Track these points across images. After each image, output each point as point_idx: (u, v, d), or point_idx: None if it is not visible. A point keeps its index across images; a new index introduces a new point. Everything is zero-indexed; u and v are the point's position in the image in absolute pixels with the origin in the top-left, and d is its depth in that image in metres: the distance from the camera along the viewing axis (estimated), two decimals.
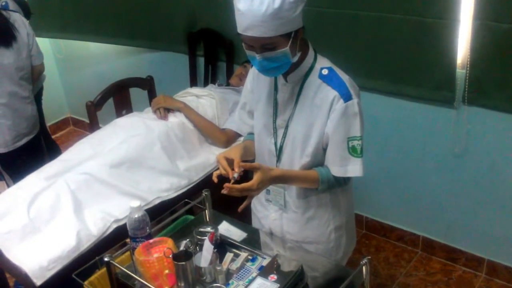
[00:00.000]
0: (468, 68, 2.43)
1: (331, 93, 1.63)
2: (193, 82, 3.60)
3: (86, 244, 2.10)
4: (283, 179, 1.70)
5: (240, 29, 1.56)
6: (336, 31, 2.76)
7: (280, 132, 1.77)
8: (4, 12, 2.81)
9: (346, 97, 1.62)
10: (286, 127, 1.75)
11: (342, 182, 1.75)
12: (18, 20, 2.87)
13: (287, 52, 1.56)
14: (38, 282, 1.97)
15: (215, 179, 1.68)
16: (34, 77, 3.07)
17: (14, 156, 2.93)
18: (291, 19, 1.52)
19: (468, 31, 2.38)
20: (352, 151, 1.66)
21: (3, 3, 3.13)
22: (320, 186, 1.72)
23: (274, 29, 1.50)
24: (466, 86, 2.47)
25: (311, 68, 1.68)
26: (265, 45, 1.54)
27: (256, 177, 1.59)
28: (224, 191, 1.60)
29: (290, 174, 1.73)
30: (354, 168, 1.68)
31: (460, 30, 2.39)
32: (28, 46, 2.91)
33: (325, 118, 1.66)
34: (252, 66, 1.89)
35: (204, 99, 2.85)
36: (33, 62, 2.98)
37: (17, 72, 2.83)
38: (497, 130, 2.52)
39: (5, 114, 2.82)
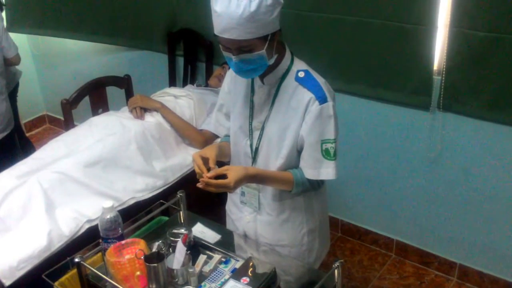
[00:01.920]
0: (443, 75, 2.47)
1: (307, 95, 1.64)
2: (172, 82, 3.58)
3: (57, 244, 2.07)
4: (259, 177, 1.70)
5: (216, 31, 1.55)
6: (315, 34, 2.77)
7: (256, 134, 1.77)
8: None
9: (322, 100, 1.63)
10: (262, 129, 1.75)
11: (316, 186, 1.76)
12: None
13: (263, 55, 1.56)
14: (7, 282, 1.93)
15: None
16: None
17: None
18: (268, 22, 1.52)
19: (445, 38, 2.41)
20: (326, 154, 1.67)
21: None
22: (294, 188, 1.72)
23: (250, 32, 1.50)
24: (442, 92, 2.50)
25: (287, 71, 1.69)
26: (241, 47, 1.54)
27: (232, 175, 1.59)
28: (199, 185, 1.60)
29: (266, 174, 1.73)
30: (327, 171, 1.69)
31: (437, 36, 2.42)
32: None
33: (300, 120, 1.66)
34: (229, 69, 1.89)
35: (182, 100, 2.83)
36: (5, 54, 2.91)
37: None
38: (471, 136, 2.56)
39: None
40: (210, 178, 1.59)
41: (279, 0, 1.55)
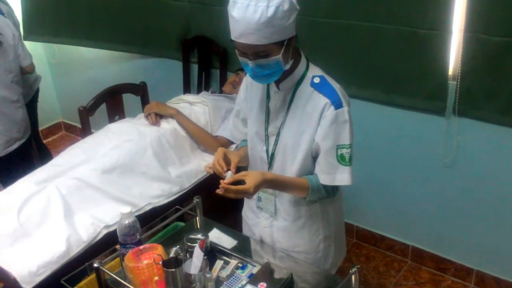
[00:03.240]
0: (458, 80, 2.46)
1: (323, 100, 1.65)
2: (187, 89, 3.60)
3: (75, 250, 2.09)
4: (276, 182, 1.70)
5: (233, 36, 1.57)
6: (330, 40, 2.78)
7: (272, 140, 1.78)
8: None
9: (337, 105, 1.64)
10: (278, 135, 1.76)
11: (331, 192, 1.76)
12: (1, 22, 2.86)
13: (279, 60, 1.58)
14: (27, 287, 1.95)
15: (208, 170, 1.69)
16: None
17: (6, 161, 2.91)
18: (284, 27, 1.54)
19: (459, 43, 2.40)
20: (341, 159, 1.67)
21: None
22: (309, 194, 1.72)
23: (267, 37, 1.52)
24: (457, 97, 2.50)
25: (303, 76, 1.70)
26: (258, 52, 1.56)
27: (250, 180, 1.59)
28: (219, 191, 1.60)
29: (282, 179, 1.73)
30: (342, 177, 1.69)
31: (451, 42, 2.42)
32: (14, 47, 2.88)
33: (316, 125, 1.67)
34: (246, 74, 1.91)
35: (197, 106, 2.85)
36: (21, 63, 2.96)
37: (5, 74, 2.81)
38: (487, 141, 2.54)
39: None
40: (228, 184, 1.59)
41: (295, 6, 1.56)
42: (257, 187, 1.60)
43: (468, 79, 2.44)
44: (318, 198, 1.76)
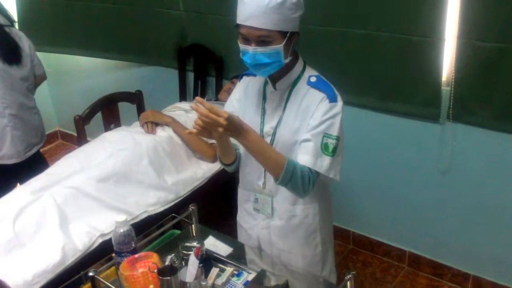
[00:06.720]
0: (453, 86, 2.47)
1: (319, 95, 1.68)
2: (182, 97, 3.61)
3: (71, 259, 2.09)
4: (251, 137, 1.61)
5: (240, 20, 1.60)
6: (324, 48, 2.80)
7: (267, 140, 1.78)
8: (7, 29, 2.83)
9: (332, 99, 1.67)
10: (274, 134, 1.77)
11: (306, 182, 1.66)
12: (18, 33, 2.91)
13: (280, 50, 1.60)
14: None
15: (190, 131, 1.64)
16: (36, 86, 3.09)
17: (25, 166, 2.92)
18: (290, 19, 1.58)
19: (453, 49, 2.42)
20: (324, 147, 1.67)
21: None
22: (283, 172, 1.63)
23: (273, 22, 1.55)
24: (451, 103, 2.51)
25: (299, 76, 1.73)
26: (261, 37, 1.58)
27: (229, 114, 1.54)
28: (192, 105, 1.59)
29: (259, 138, 1.66)
30: (321, 164, 1.66)
31: (445, 48, 2.43)
32: (30, 57, 2.93)
33: (310, 119, 1.69)
34: (239, 80, 1.91)
35: (193, 114, 2.85)
36: (36, 71, 3.01)
37: (23, 82, 2.85)
38: (481, 146, 2.55)
39: (16, 125, 2.82)
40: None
41: (302, 5, 1.62)
42: (231, 123, 1.53)
43: (462, 85, 2.45)
44: (290, 182, 1.66)
